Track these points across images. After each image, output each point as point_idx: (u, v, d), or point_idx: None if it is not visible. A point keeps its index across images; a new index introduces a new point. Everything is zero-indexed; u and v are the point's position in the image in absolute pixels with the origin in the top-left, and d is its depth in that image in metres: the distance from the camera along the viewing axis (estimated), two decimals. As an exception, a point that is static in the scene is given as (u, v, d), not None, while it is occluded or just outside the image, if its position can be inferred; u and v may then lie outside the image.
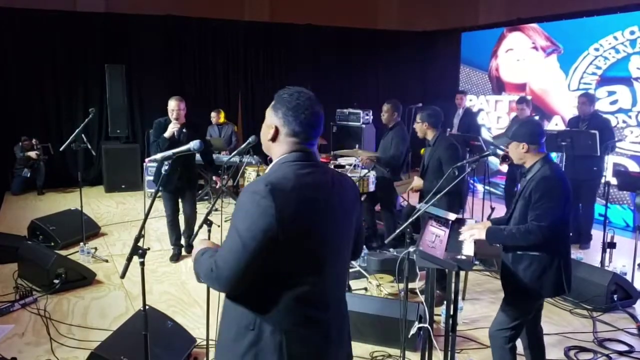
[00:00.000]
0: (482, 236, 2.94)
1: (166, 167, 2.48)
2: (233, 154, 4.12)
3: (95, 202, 7.94)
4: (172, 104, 5.11)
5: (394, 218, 5.70)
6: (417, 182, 4.72)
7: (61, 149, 5.70)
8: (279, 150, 1.77)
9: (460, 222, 3.35)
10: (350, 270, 4.82)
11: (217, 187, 5.62)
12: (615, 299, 4.38)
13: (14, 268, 4.91)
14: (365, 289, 4.72)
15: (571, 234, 4.62)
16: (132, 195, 8.46)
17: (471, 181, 7.75)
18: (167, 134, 5.09)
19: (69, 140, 5.45)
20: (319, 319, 1.73)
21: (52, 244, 5.58)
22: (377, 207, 6.07)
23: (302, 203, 1.65)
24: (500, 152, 4.98)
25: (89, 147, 6.21)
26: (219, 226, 3.50)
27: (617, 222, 7.07)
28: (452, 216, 3.37)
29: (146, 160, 6.34)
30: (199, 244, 1.89)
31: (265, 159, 5.94)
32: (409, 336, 3.30)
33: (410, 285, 3.39)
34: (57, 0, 8.77)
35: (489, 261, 5.29)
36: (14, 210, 7.49)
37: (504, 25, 9.03)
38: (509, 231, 2.84)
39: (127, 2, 9.10)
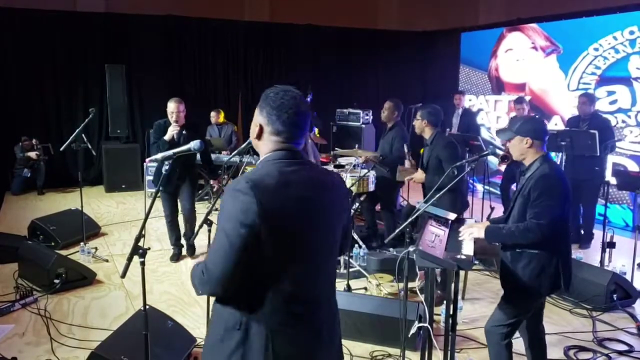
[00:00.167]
0: (481, 235, 2.94)
1: (167, 167, 2.49)
2: (233, 154, 4.14)
3: (96, 202, 7.94)
4: (172, 106, 5.08)
5: (394, 218, 5.71)
6: (420, 175, 4.72)
7: (61, 149, 5.70)
8: (264, 148, 1.78)
9: (459, 222, 3.35)
10: (350, 269, 4.83)
11: (215, 190, 5.62)
12: (615, 299, 4.38)
13: (14, 268, 4.92)
14: (365, 288, 4.73)
15: (571, 234, 4.63)
16: (132, 195, 8.46)
17: (470, 181, 7.76)
18: (167, 137, 5.06)
19: (69, 140, 5.45)
20: (305, 318, 1.73)
21: (53, 243, 5.58)
22: (377, 207, 6.08)
23: (285, 200, 1.66)
24: (499, 152, 4.99)
25: (89, 147, 6.22)
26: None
27: (617, 222, 7.07)
28: (451, 216, 3.38)
29: (146, 160, 6.36)
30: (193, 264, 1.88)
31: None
32: (409, 336, 3.31)
33: (410, 285, 3.39)
34: (57, 0, 8.77)
35: (489, 261, 5.30)
36: (14, 210, 7.49)
37: (503, 25, 9.04)
38: (508, 229, 2.84)
39: (127, 2, 9.10)
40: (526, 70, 8.53)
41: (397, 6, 11.47)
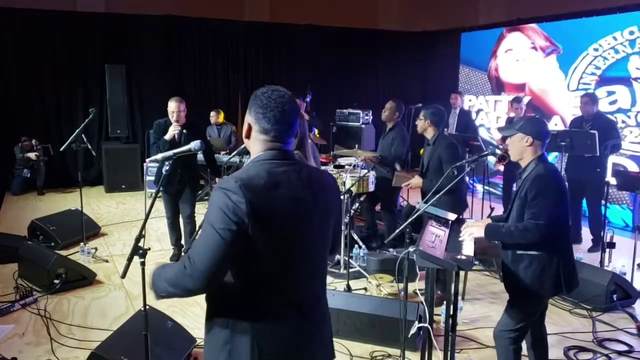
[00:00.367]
0: (481, 233, 2.93)
1: (167, 168, 2.48)
2: (233, 154, 4.14)
3: (96, 202, 7.94)
4: (172, 106, 5.06)
5: (394, 218, 5.70)
6: (417, 180, 4.72)
7: (61, 149, 5.69)
8: (254, 148, 1.80)
9: (459, 222, 3.35)
10: (350, 270, 4.83)
11: None
12: (615, 299, 4.38)
13: (14, 268, 4.92)
14: (365, 289, 4.73)
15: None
16: (132, 195, 8.46)
17: (470, 181, 7.76)
18: (167, 137, 5.04)
19: (69, 141, 5.45)
20: (292, 317, 1.74)
21: (52, 244, 5.59)
22: (377, 207, 6.08)
23: (275, 200, 1.66)
24: (499, 152, 4.98)
25: (89, 147, 6.22)
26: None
27: (617, 222, 7.07)
28: (452, 216, 3.38)
29: (146, 160, 6.36)
30: (153, 265, 1.86)
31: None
32: (409, 336, 3.31)
33: (410, 286, 3.40)
34: (57, 0, 8.77)
35: (489, 261, 5.29)
36: (14, 210, 7.49)
37: (503, 25, 9.04)
38: (507, 229, 2.84)
39: (127, 2, 9.10)
40: (526, 71, 8.53)
41: (397, 6, 11.48)
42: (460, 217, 3.60)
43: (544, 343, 3.10)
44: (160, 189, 2.55)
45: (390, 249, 5.53)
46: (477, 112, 9.44)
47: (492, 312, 4.32)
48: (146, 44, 9.24)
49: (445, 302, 3.37)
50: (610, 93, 7.20)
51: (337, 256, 5.19)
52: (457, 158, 4.43)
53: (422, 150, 4.96)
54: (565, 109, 7.82)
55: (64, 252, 5.31)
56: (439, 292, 4.12)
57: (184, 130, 5.11)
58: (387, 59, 10.91)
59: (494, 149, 4.92)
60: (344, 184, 5.23)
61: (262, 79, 10.13)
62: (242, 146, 3.54)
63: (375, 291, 4.57)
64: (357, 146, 5.92)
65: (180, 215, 5.40)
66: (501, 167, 7.34)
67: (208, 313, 1.79)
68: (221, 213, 1.61)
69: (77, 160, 6.24)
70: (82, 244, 5.52)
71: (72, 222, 5.80)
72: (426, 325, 3.04)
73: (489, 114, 9.26)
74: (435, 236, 3.02)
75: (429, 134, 4.62)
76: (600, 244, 5.34)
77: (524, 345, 3.02)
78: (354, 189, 5.14)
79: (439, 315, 4.02)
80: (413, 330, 3.29)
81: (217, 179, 5.48)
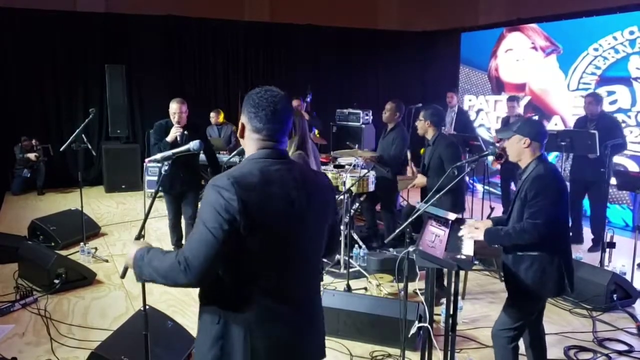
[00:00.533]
0: (481, 237, 2.95)
1: (166, 168, 2.48)
2: (233, 154, 4.13)
3: (96, 202, 7.94)
4: (174, 107, 5.01)
5: (394, 218, 5.70)
6: (421, 179, 4.71)
7: (61, 149, 5.69)
8: (248, 147, 1.82)
9: (460, 222, 3.35)
10: (350, 269, 4.83)
11: None
12: (615, 299, 4.38)
13: (14, 268, 4.92)
14: (365, 288, 4.73)
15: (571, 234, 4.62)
16: (132, 195, 8.46)
17: (470, 181, 7.76)
18: (169, 139, 4.99)
19: (69, 141, 5.45)
20: (284, 314, 1.75)
21: (53, 244, 5.59)
22: (377, 207, 6.08)
23: (268, 199, 1.68)
24: (497, 151, 4.99)
25: (89, 147, 6.22)
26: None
27: (617, 222, 7.07)
28: (452, 216, 3.38)
29: (146, 160, 6.34)
30: (133, 244, 1.85)
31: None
32: (409, 336, 3.31)
33: (410, 286, 3.40)
34: (57, 0, 8.77)
35: (489, 261, 5.30)
36: (14, 210, 7.49)
37: (503, 25, 9.04)
38: (506, 231, 2.85)
39: (127, 2, 9.10)
40: (526, 71, 8.53)
41: (397, 6, 11.47)
42: (460, 217, 3.60)
43: (542, 342, 3.10)
44: (160, 189, 2.55)
45: (390, 249, 5.53)
46: (477, 112, 9.44)
47: (492, 311, 4.31)
48: (146, 44, 9.24)
49: (444, 302, 3.37)
50: (610, 93, 7.19)
51: (337, 256, 5.19)
52: (457, 157, 4.45)
53: (422, 150, 4.96)
54: (565, 109, 7.82)
55: (64, 252, 5.31)
56: (436, 289, 4.11)
57: (185, 132, 5.10)
58: (387, 59, 10.91)
59: (494, 148, 4.91)
60: (344, 184, 5.23)
61: (262, 79, 10.12)
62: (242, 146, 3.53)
63: (376, 291, 4.57)
64: (357, 146, 5.91)
65: (183, 216, 5.40)
66: (498, 166, 7.33)
67: (201, 309, 1.80)
68: (214, 212, 1.62)
69: (77, 160, 6.25)
70: (82, 244, 5.53)
71: (72, 222, 5.80)
72: (426, 325, 3.04)
73: (489, 114, 9.26)
74: (435, 236, 3.02)
75: (429, 134, 4.63)
76: (601, 244, 5.35)
77: (521, 344, 3.03)
78: (354, 189, 5.15)
79: (439, 315, 4.02)
80: (413, 330, 3.30)
81: None
